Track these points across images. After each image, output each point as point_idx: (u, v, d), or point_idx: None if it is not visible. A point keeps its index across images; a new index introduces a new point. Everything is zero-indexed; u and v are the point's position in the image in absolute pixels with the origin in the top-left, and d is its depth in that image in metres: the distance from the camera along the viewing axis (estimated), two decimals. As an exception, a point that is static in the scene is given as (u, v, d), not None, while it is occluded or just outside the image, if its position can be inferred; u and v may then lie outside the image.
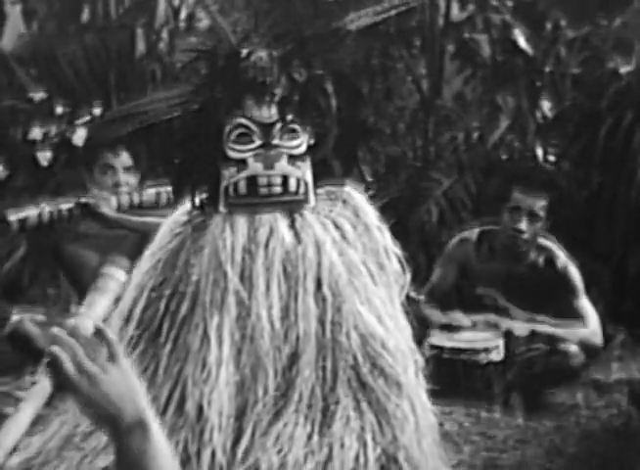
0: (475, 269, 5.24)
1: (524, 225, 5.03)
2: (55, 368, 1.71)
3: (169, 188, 4.91)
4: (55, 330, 1.75)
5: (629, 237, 6.63)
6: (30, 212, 4.76)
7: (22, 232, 4.91)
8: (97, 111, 7.00)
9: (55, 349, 1.71)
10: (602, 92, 6.77)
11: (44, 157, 7.10)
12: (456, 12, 7.73)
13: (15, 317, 5.09)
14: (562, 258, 5.18)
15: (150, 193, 4.98)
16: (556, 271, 5.15)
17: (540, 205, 5.04)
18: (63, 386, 1.72)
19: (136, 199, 5.03)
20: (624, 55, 6.96)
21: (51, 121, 7.23)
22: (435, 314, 5.14)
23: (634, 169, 6.56)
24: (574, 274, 5.19)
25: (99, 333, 1.76)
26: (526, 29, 7.29)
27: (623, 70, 6.81)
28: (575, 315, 5.14)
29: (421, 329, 4.55)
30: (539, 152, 6.84)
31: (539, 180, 5.24)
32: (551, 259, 5.17)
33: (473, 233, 5.37)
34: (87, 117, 6.98)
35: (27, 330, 5.01)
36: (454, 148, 7.20)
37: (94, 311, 1.95)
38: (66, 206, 4.86)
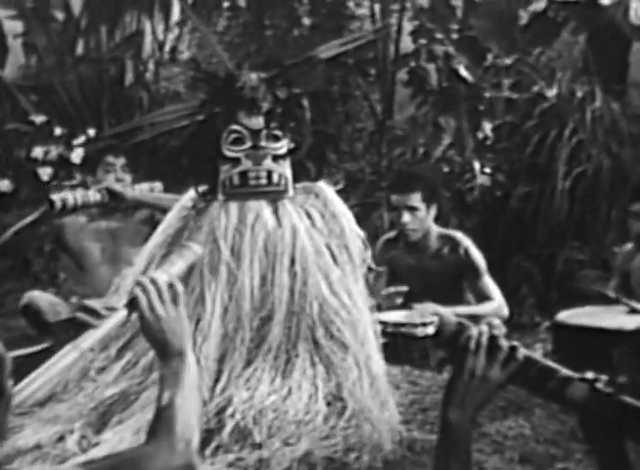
0: (399, 267, 5.47)
1: (405, 218, 5.31)
2: (134, 304, 2.22)
3: (158, 184, 5.47)
4: (141, 278, 2.23)
5: (555, 239, 7.21)
6: (68, 195, 5.19)
7: (62, 212, 5.21)
8: (91, 132, 7.60)
9: (138, 291, 2.21)
10: (530, 113, 7.34)
11: (45, 172, 7.68)
12: (408, 44, 8.04)
13: (28, 293, 5.33)
14: (463, 243, 5.35)
15: (144, 188, 5.45)
16: (459, 256, 5.34)
17: (414, 198, 5.27)
18: (138, 317, 2.22)
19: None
20: (549, 80, 7.51)
21: (51, 142, 7.80)
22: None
23: (556, 180, 7.15)
24: (476, 256, 5.34)
25: (171, 284, 2.23)
26: (467, 60, 7.77)
27: (549, 93, 7.35)
28: (481, 296, 5.37)
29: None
30: (477, 165, 7.33)
31: (403, 180, 5.49)
32: (455, 248, 5.36)
33: (392, 233, 5.58)
34: (82, 138, 7.58)
35: (38, 305, 5.22)
36: (403, 162, 7.60)
37: (171, 269, 2.31)
38: (92, 191, 5.32)
